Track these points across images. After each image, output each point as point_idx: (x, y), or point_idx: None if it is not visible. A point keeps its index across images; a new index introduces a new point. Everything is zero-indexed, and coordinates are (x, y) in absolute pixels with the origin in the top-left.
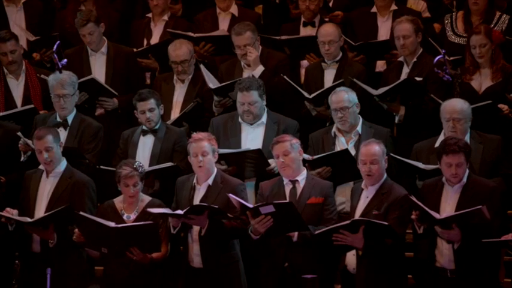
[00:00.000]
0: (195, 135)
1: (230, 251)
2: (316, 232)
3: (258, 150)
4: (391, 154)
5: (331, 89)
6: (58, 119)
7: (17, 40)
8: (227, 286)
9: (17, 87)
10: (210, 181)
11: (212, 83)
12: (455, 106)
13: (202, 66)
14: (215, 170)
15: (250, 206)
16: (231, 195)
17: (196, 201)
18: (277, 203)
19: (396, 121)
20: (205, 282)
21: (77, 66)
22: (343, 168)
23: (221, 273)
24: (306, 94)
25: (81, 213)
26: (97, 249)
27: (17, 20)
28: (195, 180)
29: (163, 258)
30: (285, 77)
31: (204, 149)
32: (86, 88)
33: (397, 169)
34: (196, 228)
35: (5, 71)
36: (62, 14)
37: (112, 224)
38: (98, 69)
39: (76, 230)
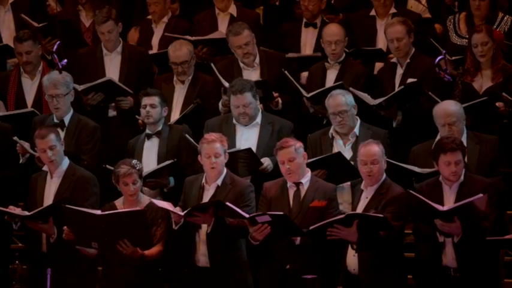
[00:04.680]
0: (207, 136)
1: (237, 251)
2: (311, 228)
3: (248, 149)
4: (388, 159)
5: (330, 89)
6: (55, 120)
7: (34, 41)
8: (233, 286)
9: (30, 87)
10: (219, 181)
11: (226, 82)
12: (447, 109)
13: (213, 66)
14: (225, 170)
15: (247, 215)
16: (227, 203)
17: (205, 201)
18: (272, 214)
19: (394, 125)
20: (211, 282)
21: (90, 65)
22: (339, 169)
23: (228, 273)
24: (304, 92)
25: (67, 205)
26: (87, 245)
27: (5, 20)
28: (203, 180)
29: (157, 256)
30: (285, 72)
31: (217, 151)
32: (102, 89)
33: (394, 172)
34: (203, 228)
35: (21, 70)
36: (61, 16)
37: (98, 212)
38: (113, 69)
39: (65, 227)
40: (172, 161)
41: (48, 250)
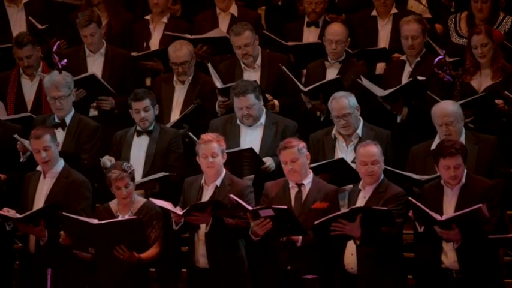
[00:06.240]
0: (204, 136)
1: (236, 253)
2: (316, 222)
3: (250, 149)
4: (386, 167)
5: (327, 83)
6: (56, 120)
7: (34, 44)
8: (232, 287)
9: (30, 88)
10: (218, 182)
11: (219, 82)
12: (444, 110)
13: (210, 65)
14: (224, 171)
15: (250, 208)
16: (231, 195)
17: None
18: (276, 208)
19: (398, 121)
20: (210, 283)
21: (73, 66)
22: (341, 174)
23: (227, 274)
24: (301, 87)
25: (64, 213)
26: (84, 250)
27: (17, 20)
28: (203, 181)
29: (154, 259)
30: (283, 67)
31: (213, 150)
32: (84, 85)
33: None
34: (202, 229)
35: (21, 71)
36: (75, 15)
37: (95, 221)
38: (95, 71)
39: (61, 232)
40: (164, 174)
41: (36, 251)
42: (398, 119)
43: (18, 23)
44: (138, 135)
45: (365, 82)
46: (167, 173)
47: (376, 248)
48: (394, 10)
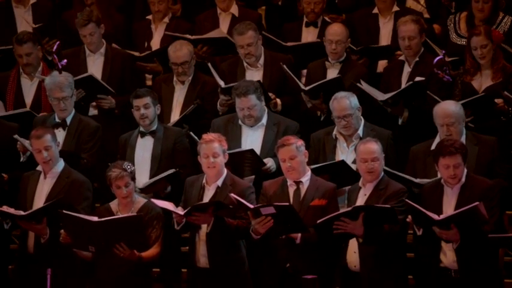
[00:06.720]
0: (205, 136)
1: (237, 253)
2: (318, 221)
3: (251, 150)
4: (385, 168)
5: (328, 82)
6: (57, 120)
7: (34, 42)
8: (233, 287)
9: (29, 88)
10: (219, 182)
11: (221, 81)
12: (446, 110)
13: (210, 65)
14: (225, 171)
15: (251, 206)
16: (232, 194)
17: (205, 201)
18: (277, 205)
19: (400, 123)
20: (211, 283)
21: (74, 66)
22: (341, 175)
23: (227, 275)
24: (302, 86)
25: (64, 211)
26: (84, 248)
27: (24, 21)
28: (204, 181)
29: (154, 258)
30: (284, 66)
31: (215, 150)
32: (83, 85)
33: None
34: (203, 229)
35: (21, 70)
36: (67, 15)
37: (95, 219)
38: (95, 70)
39: (61, 231)
40: (174, 170)
41: (35, 251)
42: (400, 121)
43: (24, 24)
44: (141, 137)
45: (365, 86)
46: (177, 169)
47: (378, 246)
48: (395, 8)
